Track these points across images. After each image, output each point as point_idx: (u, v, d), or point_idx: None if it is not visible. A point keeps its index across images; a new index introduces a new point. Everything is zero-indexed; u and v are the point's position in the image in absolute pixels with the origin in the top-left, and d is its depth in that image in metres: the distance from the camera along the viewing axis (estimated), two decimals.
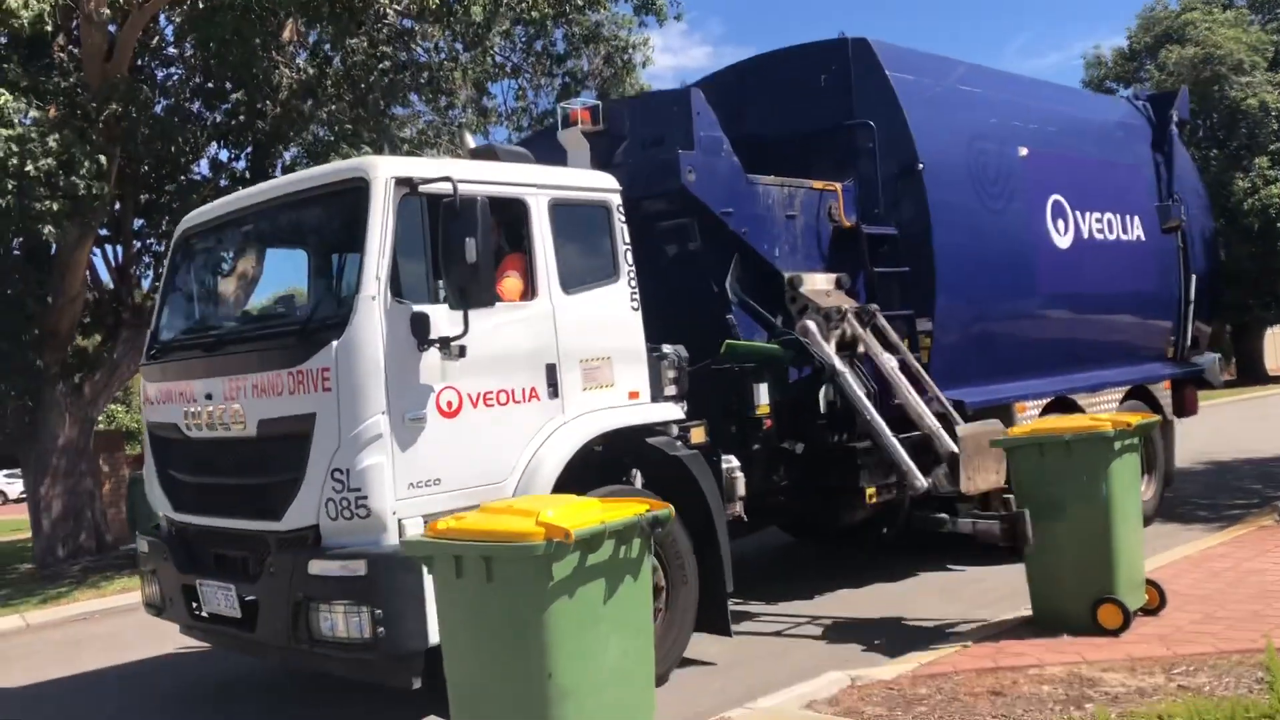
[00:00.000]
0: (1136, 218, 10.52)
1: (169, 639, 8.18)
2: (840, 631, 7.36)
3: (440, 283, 5.59)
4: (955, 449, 7.50)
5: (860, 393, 7.65)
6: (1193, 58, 31.93)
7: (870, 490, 7.95)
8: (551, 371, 6.09)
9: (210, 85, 14.26)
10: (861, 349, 7.89)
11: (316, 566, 5.38)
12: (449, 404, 5.61)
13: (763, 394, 7.39)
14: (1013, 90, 9.95)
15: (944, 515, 7.91)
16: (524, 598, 3.76)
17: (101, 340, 14.71)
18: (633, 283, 6.60)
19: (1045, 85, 11.00)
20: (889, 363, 7.85)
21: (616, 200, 6.66)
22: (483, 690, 3.97)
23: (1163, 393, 10.71)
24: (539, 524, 3.75)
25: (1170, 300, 10.93)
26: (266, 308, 6.49)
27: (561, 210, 6.31)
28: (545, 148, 7.83)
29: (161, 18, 13.62)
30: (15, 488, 33.93)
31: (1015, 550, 6.75)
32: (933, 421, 7.74)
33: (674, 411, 6.69)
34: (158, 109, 13.49)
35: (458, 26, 12.35)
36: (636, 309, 6.60)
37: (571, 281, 6.29)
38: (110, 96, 11.69)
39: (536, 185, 6.25)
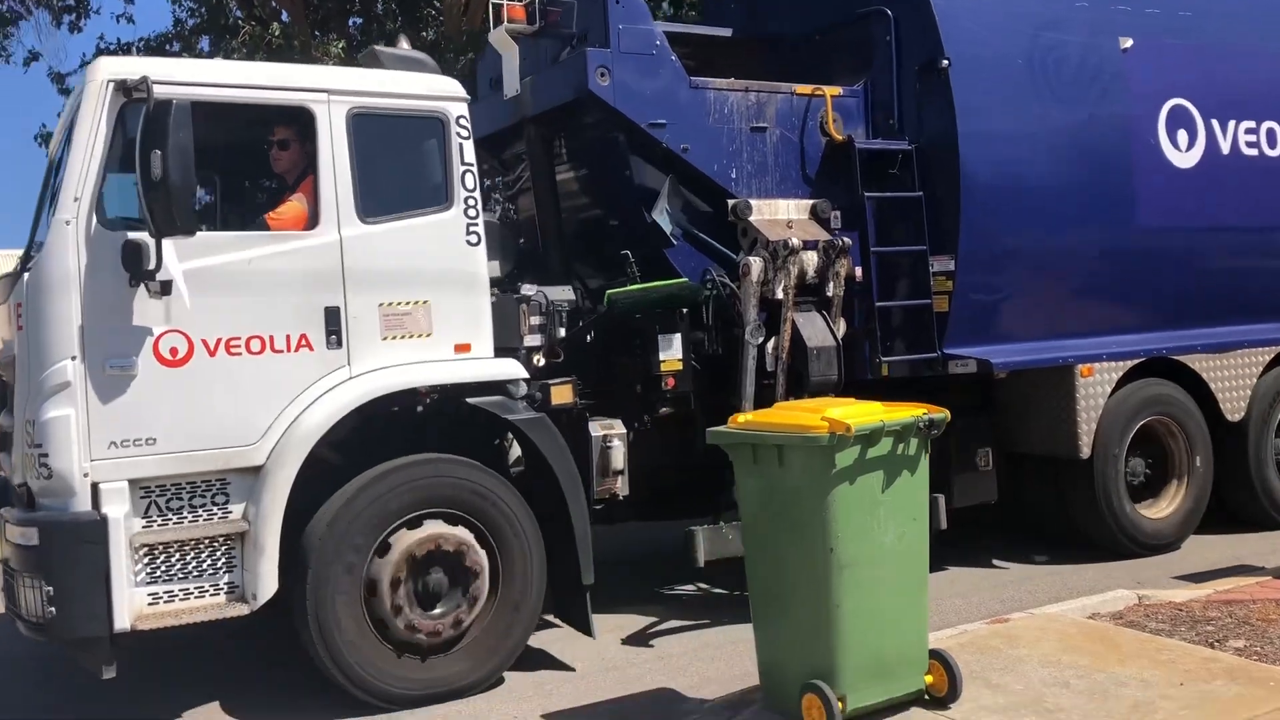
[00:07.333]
0: None
1: None
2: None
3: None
4: None
5: (750, 367, 6.12)
6: None
7: None
8: (333, 316, 5.09)
9: None
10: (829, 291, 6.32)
11: (13, 531, 4.77)
12: (173, 351, 4.78)
13: (672, 346, 6.01)
14: None
15: None
16: (811, 481, 4.18)
17: None
18: (472, 211, 5.44)
19: None
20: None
21: (456, 111, 5.47)
22: (774, 559, 4.40)
23: None
24: (824, 419, 4.12)
25: None
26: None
27: (367, 122, 5.24)
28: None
29: None
30: None
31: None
32: None
33: (513, 368, 5.49)
34: None
35: None
36: (476, 243, 5.45)
37: (376, 208, 5.23)
38: (467, 47, 12.85)
39: (329, 91, 5.21)
